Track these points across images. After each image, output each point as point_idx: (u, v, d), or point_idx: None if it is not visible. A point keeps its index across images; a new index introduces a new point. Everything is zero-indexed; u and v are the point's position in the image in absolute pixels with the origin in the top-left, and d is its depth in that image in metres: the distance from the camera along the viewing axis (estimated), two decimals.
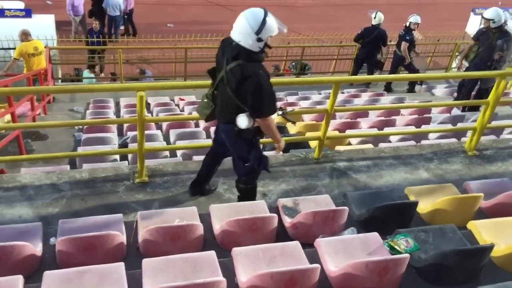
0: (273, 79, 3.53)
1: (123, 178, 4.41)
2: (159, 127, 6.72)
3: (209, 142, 5.86)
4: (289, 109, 3.80)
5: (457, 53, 11.65)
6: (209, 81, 3.64)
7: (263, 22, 3.15)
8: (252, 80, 3.21)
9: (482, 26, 7.86)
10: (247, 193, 3.97)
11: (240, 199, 4.03)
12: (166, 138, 6.11)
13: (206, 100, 3.64)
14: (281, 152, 4.03)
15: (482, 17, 7.69)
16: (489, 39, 7.31)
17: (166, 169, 4.59)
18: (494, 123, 6.17)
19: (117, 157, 5.31)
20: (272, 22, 3.19)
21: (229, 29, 3.29)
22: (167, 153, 5.48)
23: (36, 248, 3.16)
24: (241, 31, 3.20)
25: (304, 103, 8.29)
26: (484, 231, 3.52)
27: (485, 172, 4.86)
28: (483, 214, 3.96)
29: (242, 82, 3.24)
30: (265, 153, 4.00)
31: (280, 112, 3.61)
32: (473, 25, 12.94)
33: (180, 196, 4.22)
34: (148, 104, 8.30)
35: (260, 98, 3.26)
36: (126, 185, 4.32)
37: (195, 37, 11.35)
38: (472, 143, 5.15)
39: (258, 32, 3.15)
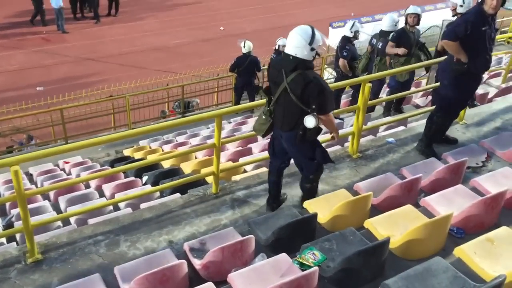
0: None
1: (14, 262, 4.03)
2: (46, 197, 6.28)
3: (103, 200, 5.63)
4: None
5: (325, 66, 12.52)
6: (96, 139, 4.17)
7: (313, 34, 3.68)
8: (314, 84, 3.71)
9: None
10: (311, 191, 4.41)
11: (305, 199, 4.39)
12: (56, 207, 5.73)
13: (264, 116, 4.07)
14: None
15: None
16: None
17: (61, 240, 4.29)
18: (370, 124, 6.68)
19: (4, 240, 4.86)
20: (318, 33, 3.73)
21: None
22: (59, 223, 5.13)
23: None
24: (297, 45, 3.69)
25: (194, 140, 8.31)
26: (380, 226, 3.76)
27: (371, 171, 5.21)
28: (376, 210, 4.23)
29: (305, 87, 3.71)
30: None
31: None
32: (333, 38, 13.98)
33: (81, 266, 3.96)
34: (30, 175, 7.75)
35: (324, 97, 3.76)
36: (18, 268, 3.95)
37: (69, 96, 10.92)
38: (354, 146, 5.51)
39: (311, 42, 3.66)
